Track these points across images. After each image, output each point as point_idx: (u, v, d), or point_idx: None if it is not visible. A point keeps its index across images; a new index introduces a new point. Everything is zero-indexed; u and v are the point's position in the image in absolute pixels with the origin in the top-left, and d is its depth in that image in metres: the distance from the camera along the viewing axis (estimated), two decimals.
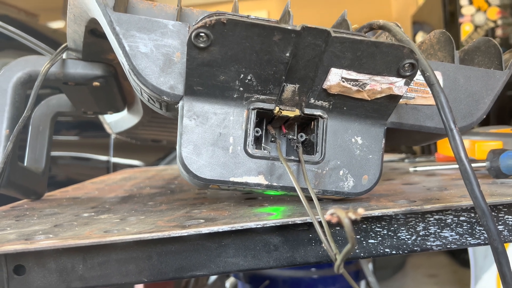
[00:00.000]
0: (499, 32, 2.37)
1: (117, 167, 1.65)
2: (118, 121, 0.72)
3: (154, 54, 0.33)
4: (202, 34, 0.29)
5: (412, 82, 0.36)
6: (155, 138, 0.84)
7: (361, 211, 0.19)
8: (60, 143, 1.63)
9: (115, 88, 0.55)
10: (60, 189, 0.70)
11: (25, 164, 0.60)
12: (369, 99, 0.34)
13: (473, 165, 0.47)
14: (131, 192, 0.61)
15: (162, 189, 0.62)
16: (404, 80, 0.33)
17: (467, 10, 2.41)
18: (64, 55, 0.51)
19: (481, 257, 1.29)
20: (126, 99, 0.61)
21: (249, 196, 0.47)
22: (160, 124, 0.74)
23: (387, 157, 0.83)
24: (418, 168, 0.54)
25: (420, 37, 2.92)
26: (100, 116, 0.76)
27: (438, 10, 2.56)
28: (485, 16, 2.40)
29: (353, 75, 0.32)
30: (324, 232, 0.27)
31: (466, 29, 2.42)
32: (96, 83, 0.52)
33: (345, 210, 0.20)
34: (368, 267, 1.00)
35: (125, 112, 0.69)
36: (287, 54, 0.31)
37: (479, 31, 2.40)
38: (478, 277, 1.29)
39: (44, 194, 0.60)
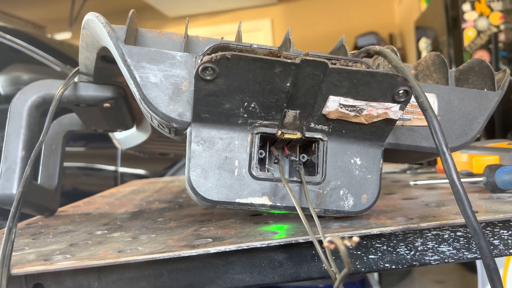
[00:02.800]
0: (502, 37, 2.38)
1: (124, 176, 1.68)
2: (127, 138, 0.75)
3: (163, 84, 0.36)
4: (209, 68, 0.31)
5: (408, 104, 0.38)
6: (163, 152, 0.87)
7: (356, 239, 0.21)
8: (68, 154, 1.65)
9: (124, 108, 0.58)
10: (72, 204, 0.73)
11: (39, 181, 0.62)
12: (367, 123, 0.36)
13: (470, 179, 0.49)
14: (140, 207, 0.63)
15: (171, 204, 0.64)
16: (399, 105, 0.35)
17: (469, 15, 2.42)
18: (76, 78, 0.53)
19: None
20: (135, 117, 0.64)
21: (255, 213, 0.49)
22: (168, 139, 0.76)
23: (389, 168, 0.84)
24: (418, 182, 0.56)
25: (423, 42, 2.93)
26: (110, 133, 0.78)
27: (441, 16, 2.57)
28: (487, 21, 2.41)
29: (350, 101, 0.34)
30: (325, 252, 0.29)
31: (469, 34, 2.43)
32: (106, 104, 0.54)
33: (341, 238, 0.21)
34: (373, 276, 1.01)
35: (134, 129, 0.71)
36: (288, 84, 0.33)
37: (482, 36, 2.41)
38: (485, 282, 1.30)
39: (57, 210, 0.63)
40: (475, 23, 2.42)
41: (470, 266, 2.12)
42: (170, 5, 4.11)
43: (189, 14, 4.25)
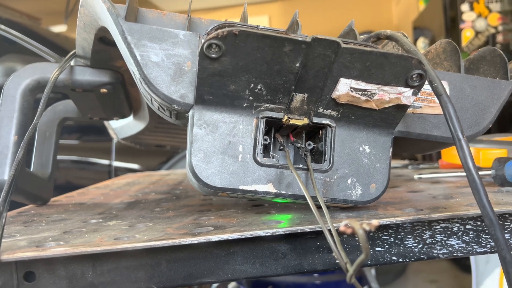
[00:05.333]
0: (499, 38, 2.38)
1: (118, 171, 1.66)
2: (123, 127, 0.73)
3: (165, 63, 0.34)
4: (214, 45, 0.30)
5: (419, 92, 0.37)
6: (159, 144, 0.85)
7: (376, 223, 0.20)
8: (62, 147, 1.63)
9: (122, 95, 0.56)
10: (65, 194, 0.71)
11: (32, 169, 0.60)
12: (377, 108, 0.34)
13: None
14: (136, 198, 0.61)
15: (168, 195, 0.62)
16: (412, 90, 0.33)
17: (468, 16, 2.42)
18: (72, 62, 0.51)
19: (482, 262, 1.29)
20: (132, 105, 0.62)
21: (256, 203, 0.47)
22: (165, 130, 0.75)
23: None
24: (422, 176, 0.54)
25: (421, 42, 2.93)
26: (106, 122, 0.76)
27: (439, 16, 2.57)
28: (485, 22, 2.41)
29: (362, 85, 0.33)
30: (334, 241, 0.27)
31: (467, 34, 2.43)
32: (103, 90, 0.53)
33: (359, 222, 0.20)
34: (371, 273, 1.00)
35: (130, 118, 0.69)
36: (297, 65, 0.31)
37: (480, 37, 2.41)
38: (479, 283, 1.29)
39: (50, 199, 0.61)
40: (473, 23, 2.42)
41: (463, 266, 2.12)
42: (167, 0, 4.08)
43: (187, 9, 4.21)
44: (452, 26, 2.47)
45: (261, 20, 4.33)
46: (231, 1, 4.26)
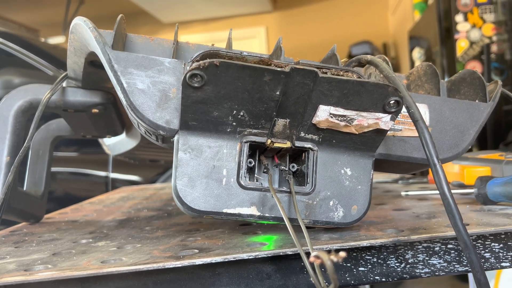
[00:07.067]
0: (494, 48, 2.40)
1: (116, 182, 1.66)
2: (116, 144, 0.74)
3: (151, 90, 0.35)
4: (197, 75, 0.31)
5: (399, 115, 0.38)
6: (153, 158, 0.86)
7: (342, 254, 0.21)
8: (59, 159, 1.64)
9: (113, 114, 0.57)
10: (59, 211, 0.71)
11: (25, 188, 0.61)
12: (357, 133, 0.35)
13: (461, 191, 0.49)
14: (128, 215, 0.62)
15: (159, 212, 0.63)
16: (390, 115, 0.34)
17: (462, 26, 2.45)
18: (64, 83, 0.52)
19: None
20: (124, 123, 0.63)
21: (244, 223, 0.48)
22: (158, 146, 0.75)
23: (381, 178, 0.84)
24: (409, 193, 0.55)
25: (416, 52, 2.95)
26: (99, 139, 0.77)
27: (434, 26, 2.59)
28: (480, 32, 2.43)
29: (340, 111, 0.34)
30: (313, 266, 0.28)
31: (461, 45, 2.45)
32: (95, 110, 0.54)
33: (327, 252, 0.21)
34: (364, 286, 1.00)
35: (123, 135, 0.70)
36: (277, 93, 0.32)
37: (475, 47, 2.43)
38: None
39: (43, 217, 0.61)
40: (467, 34, 2.45)
41: (461, 276, 2.11)
42: (165, 11, 4.11)
43: (184, 20, 4.26)
44: (447, 36, 2.50)
45: (258, 31, 4.36)
46: (227, 13, 4.30)
